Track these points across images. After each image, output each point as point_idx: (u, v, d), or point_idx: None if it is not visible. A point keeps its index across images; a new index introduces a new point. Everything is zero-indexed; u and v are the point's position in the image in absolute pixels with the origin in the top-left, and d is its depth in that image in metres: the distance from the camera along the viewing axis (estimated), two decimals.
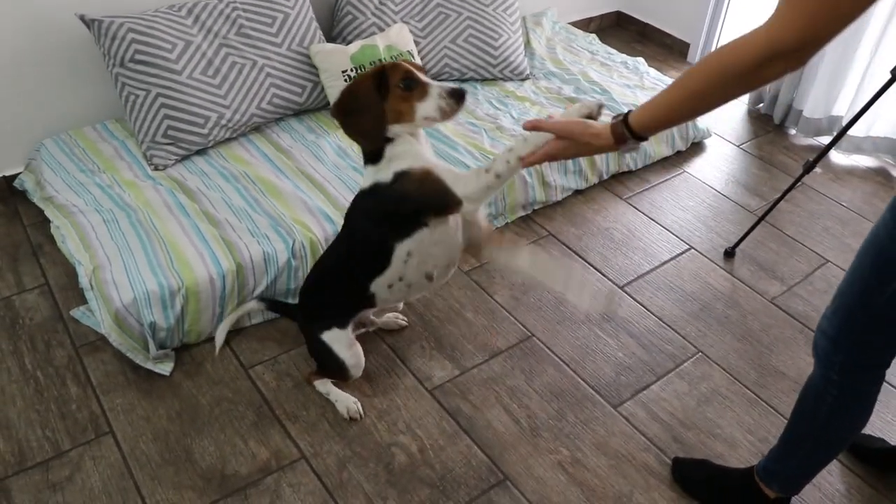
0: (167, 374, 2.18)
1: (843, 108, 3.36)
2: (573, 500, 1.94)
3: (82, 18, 2.55)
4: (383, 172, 1.79)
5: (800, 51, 1.06)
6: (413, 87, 1.71)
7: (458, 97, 1.71)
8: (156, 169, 2.61)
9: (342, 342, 2.04)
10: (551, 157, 1.49)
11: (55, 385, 2.16)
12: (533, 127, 1.49)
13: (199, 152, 2.70)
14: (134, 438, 2.03)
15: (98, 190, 2.51)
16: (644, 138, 1.34)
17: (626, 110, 1.35)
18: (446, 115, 1.72)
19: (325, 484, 1.94)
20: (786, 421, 2.15)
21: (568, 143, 1.44)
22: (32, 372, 2.19)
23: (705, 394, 2.24)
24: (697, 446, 2.09)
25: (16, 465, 1.95)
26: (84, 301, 2.36)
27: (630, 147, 1.37)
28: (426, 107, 1.71)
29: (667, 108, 1.28)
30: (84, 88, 2.79)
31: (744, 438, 2.12)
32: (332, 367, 2.08)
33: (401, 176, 1.77)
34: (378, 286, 1.94)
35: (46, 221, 2.60)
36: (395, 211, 1.81)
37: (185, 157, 2.67)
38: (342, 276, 1.98)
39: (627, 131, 1.34)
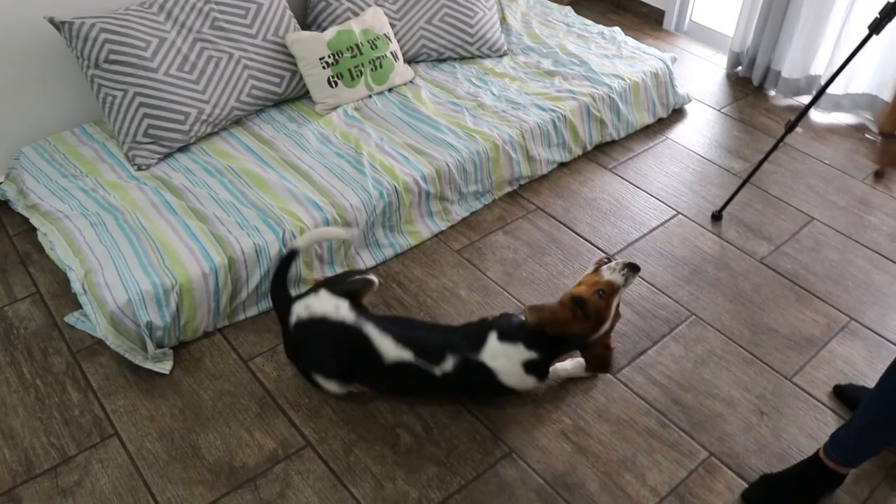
0: (167, 372, 2.19)
1: (821, 67, 3.38)
2: (579, 467, 1.97)
3: (52, 21, 2.51)
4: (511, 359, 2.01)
5: None
6: (605, 296, 2.01)
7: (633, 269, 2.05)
8: (139, 169, 2.60)
9: (338, 388, 2.07)
10: None
11: (56, 392, 2.15)
12: None
13: (182, 149, 2.68)
14: (139, 438, 2.03)
15: (82, 194, 2.49)
16: None
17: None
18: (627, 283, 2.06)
19: (332, 469, 1.96)
20: (781, 377, 2.19)
21: None
22: (32, 381, 2.18)
23: (701, 355, 2.27)
24: (696, 407, 2.12)
25: (24, 474, 1.95)
26: (76, 306, 2.36)
27: None
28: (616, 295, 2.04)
29: None
30: (60, 92, 2.76)
31: (741, 396, 2.15)
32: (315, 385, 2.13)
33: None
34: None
35: (32, 229, 2.59)
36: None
37: (167, 155, 2.65)
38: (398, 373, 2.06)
39: None
